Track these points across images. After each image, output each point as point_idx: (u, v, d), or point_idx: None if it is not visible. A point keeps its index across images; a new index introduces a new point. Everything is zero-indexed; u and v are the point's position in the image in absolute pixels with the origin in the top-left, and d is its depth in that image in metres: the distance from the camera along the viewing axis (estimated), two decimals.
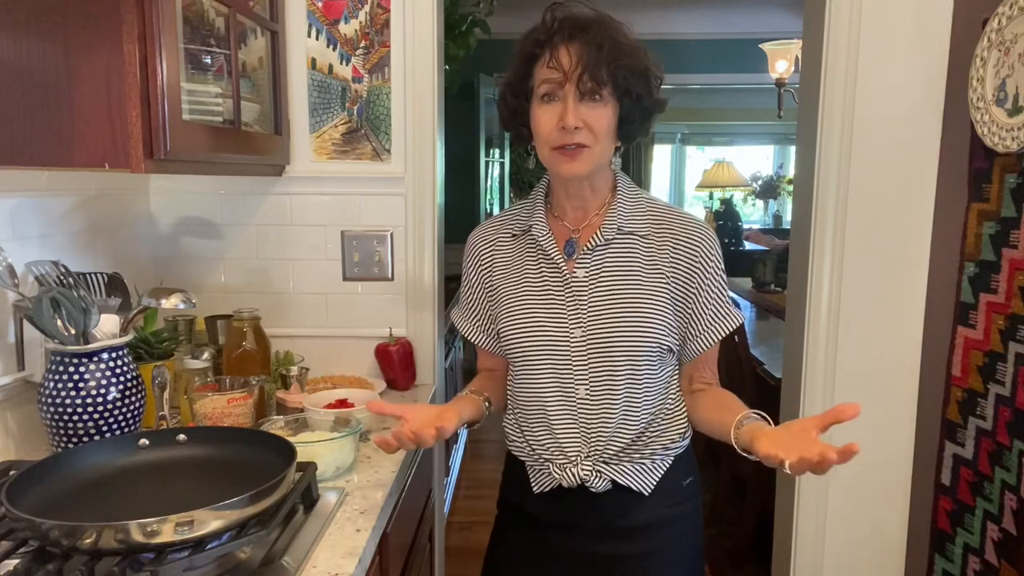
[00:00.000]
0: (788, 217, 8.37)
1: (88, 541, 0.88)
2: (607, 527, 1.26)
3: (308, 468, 1.19)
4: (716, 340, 1.26)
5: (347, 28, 1.84)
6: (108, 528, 0.88)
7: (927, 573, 1.81)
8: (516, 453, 1.33)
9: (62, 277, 1.33)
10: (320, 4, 1.83)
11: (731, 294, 4.21)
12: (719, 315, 1.25)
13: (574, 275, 1.23)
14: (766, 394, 2.74)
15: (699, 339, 1.25)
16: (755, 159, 9.60)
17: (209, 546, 0.93)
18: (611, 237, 1.23)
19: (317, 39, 1.85)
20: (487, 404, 1.31)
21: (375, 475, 1.36)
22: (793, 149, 7.52)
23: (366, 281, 1.93)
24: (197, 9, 1.39)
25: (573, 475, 1.23)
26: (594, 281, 1.22)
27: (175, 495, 1.11)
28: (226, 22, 1.44)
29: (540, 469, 1.28)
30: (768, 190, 8.69)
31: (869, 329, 1.81)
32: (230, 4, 1.43)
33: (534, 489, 1.28)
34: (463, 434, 3.85)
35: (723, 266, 1.26)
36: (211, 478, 1.15)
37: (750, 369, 2.85)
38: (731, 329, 1.26)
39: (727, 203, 7.30)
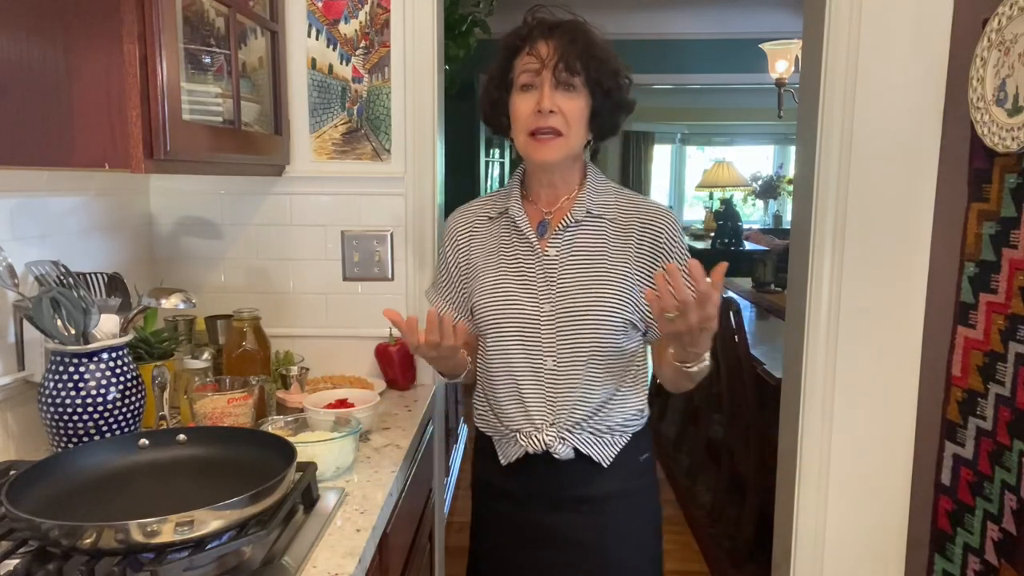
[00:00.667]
0: (788, 217, 8.37)
1: (88, 541, 0.88)
2: (569, 497, 1.34)
3: (308, 468, 1.19)
4: None
5: (347, 28, 1.84)
6: (108, 528, 0.88)
7: (927, 573, 1.81)
8: (484, 429, 1.42)
9: (62, 277, 1.33)
10: (320, 4, 1.83)
11: (731, 294, 4.19)
12: None
13: (546, 253, 1.33)
14: (766, 394, 2.74)
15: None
16: (755, 159, 9.60)
17: (209, 546, 0.93)
18: (581, 218, 1.32)
19: (317, 39, 1.85)
20: (468, 359, 1.41)
21: (375, 475, 1.36)
22: (793, 149, 7.53)
23: (366, 281, 1.93)
24: (197, 9, 1.39)
25: (539, 441, 1.31)
26: (564, 259, 1.32)
27: (175, 495, 1.11)
28: (226, 22, 1.44)
29: (508, 440, 1.36)
30: (768, 190, 8.69)
31: (869, 329, 1.81)
32: (230, 4, 1.43)
33: (501, 461, 1.37)
34: (463, 434, 3.84)
35: (686, 246, 1.35)
36: (211, 478, 1.15)
37: (750, 369, 2.85)
38: None
39: (727, 203, 7.30)
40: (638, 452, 1.37)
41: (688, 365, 1.21)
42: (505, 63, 1.30)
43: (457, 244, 1.42)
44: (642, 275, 1.31)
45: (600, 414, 1.32)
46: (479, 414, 1.42)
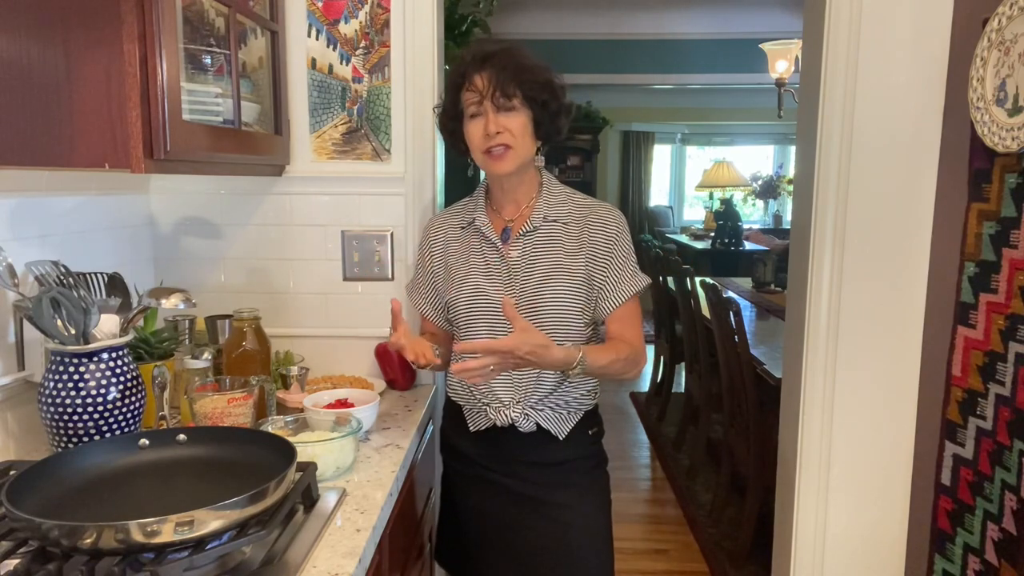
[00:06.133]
0: (788, 217, 8.37)
1: (88, 541, 0.88)
2: (528, 461, 1.53)
3: (308, 468, 1.19)
4: (627, 295, 1.50)
5: (347, 28, 1.84)
6: (108, 528, 0.88)
7: (927, 573, 1.81)
8: (456, 399, 1.60)
9: (62, 277, 1.33)
10: (320, 4, 1.83)
11: (731, 294, 4.20)
12: (626, 277, 1.51)
13: (510, 255, 1.52)
14: (766, 394, 2.74)
15: (612, 297, 1.51)
16: (755, 159, 9.60)
17: (209, 546, 0.93)
18: (538, 224, 1.51)
19: (317, 39, 1.85)
20: (437, 351, 1.51)
21: (375, 475, 1.36)
22: (793, 149, 7.52)
23: (366, 281, 1.93)
24: (197, 9, 1.39)
25: (506, 416, 1.50)
26: (526, 259, 1.51)
27: (175, 495, 1.11)
28: (226, 22, 1.44)
29: (478, 411, 1.54)
30: (768, 190, 8.68)
31: (869, 329, 1.81)
32: (230, 4, 1.43)
33: (470, 428, 1.56)
34: None
35: (630, 240, 1.55)
36: (211, 478, 1.15)
37: (750, 369, 2.85)
38: (638, 289, 1.52)
39: (727, 203, 7.29)
40: (588, 427, 1.57)
41: (565, 375, 1.41)
42: (453, 97, 1.49)
43: (432, 249, 1.60)
44: (593, 266, 1.49)
45: (559, 391, 1.51)
46: (451, 385, 1.62)
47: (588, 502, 1.57)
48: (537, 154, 1.52)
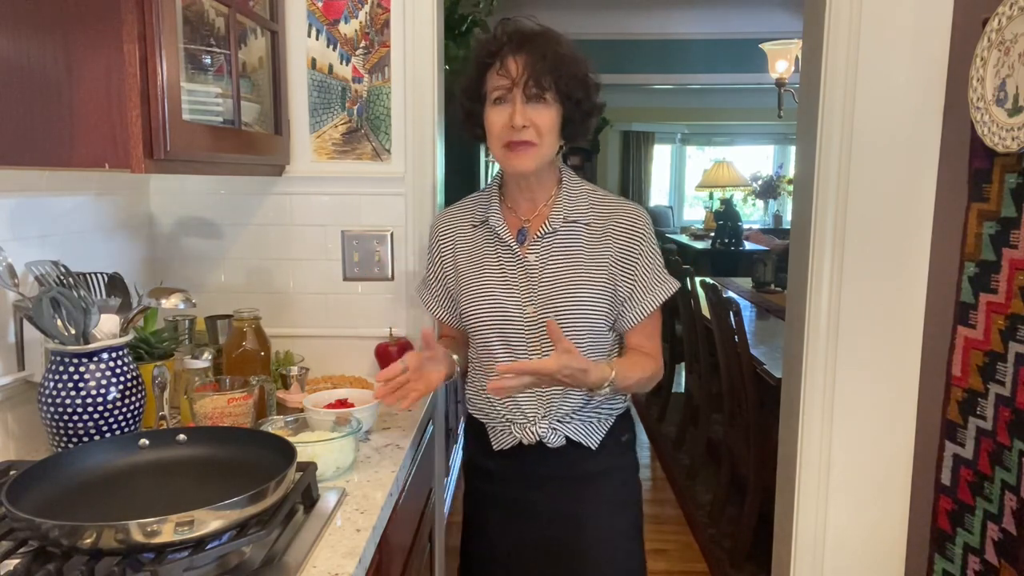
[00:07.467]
0: (788, 217, 8.37)
1: (88, 541, 0.88)
2: (558, 476, 1.43)
3: (308, 468, 1.19)
4: (654, 306, 1.40)
5: (347, 28, 1.84)
6: (108, 528, 0.88)
7: (927, 573, 1.81)
8: (477, 416, 1.50)
9: (62, 277, 1.33)
10: (320, 4, 1.83)
11: (731, 294, 4.20)
12: (653, 286, 1.40)
13: (527, 260, 1.39)
14: (766, 394, 2.74)
15: (637, 309, 1.40)
16: (755, 159, 9.61)
17: (209, 546, 0.93)
18: (558, 226, 1.39)
19: (317, 39, 1.85)
20: (456, 368, 1.47)
21: (375, 475, 1.36)
22: (793, 149, 7.52)
23: (366, 281, 1.93)
24: (197, 9, 1.39)
25: (532, 433, 1.40)
26: (544, 265, 1.39)
27: (175, 495, 1.11)
28: (226, 22, 1.44)
29: (502, 428, 1.44)
30: (768, 190, 8.69)
31: (869, 329, 1.81)
32: (230, 4, 1.43)
33: (494, 447, 1.45)
34: (463, 434, 3.85)
35: (656, 242, 1.44)
36: (211, 478, 1.15)
37: (750, 369, 2.85)
38: (668, 295, 1.41)
39: (727, 203, 7.30)
40: (621, 434, 1.47)
41: (591, 395, 1.36)
42: (478, 77, 1.35)
43: (441, 247, 1.50)
44: (618, 271, 1.38)
45: (590, 404, 1.41)
46: (471, 401, 1.51)
47: (624, 518, 1.47)
48: (558, 154, 1.41)
